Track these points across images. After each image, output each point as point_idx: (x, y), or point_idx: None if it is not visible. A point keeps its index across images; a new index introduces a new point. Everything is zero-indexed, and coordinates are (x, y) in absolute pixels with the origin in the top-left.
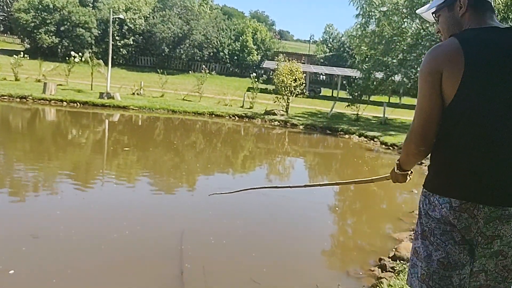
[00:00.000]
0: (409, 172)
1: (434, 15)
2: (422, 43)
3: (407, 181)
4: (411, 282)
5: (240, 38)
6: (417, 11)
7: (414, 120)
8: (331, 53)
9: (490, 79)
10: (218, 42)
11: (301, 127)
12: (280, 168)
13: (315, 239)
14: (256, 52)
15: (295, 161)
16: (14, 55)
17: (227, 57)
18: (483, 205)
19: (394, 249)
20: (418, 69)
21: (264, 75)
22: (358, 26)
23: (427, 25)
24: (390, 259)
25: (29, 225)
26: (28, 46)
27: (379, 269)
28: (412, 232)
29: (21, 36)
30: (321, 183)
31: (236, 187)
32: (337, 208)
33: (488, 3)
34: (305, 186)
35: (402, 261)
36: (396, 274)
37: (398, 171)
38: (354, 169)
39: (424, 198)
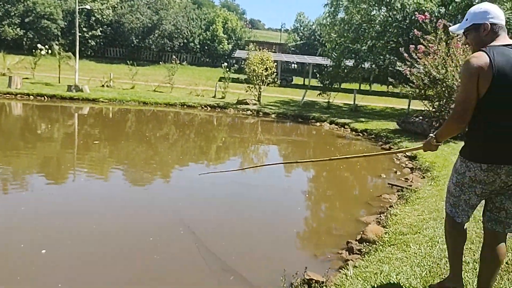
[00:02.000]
0: (441, 143)
1: (463, 33)
2: (390, 30)
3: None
4: (446, 206)
5: (211, 27)
6: (449, 29)
7: (456, 106)
8: (302, 42)
9: (510, 83)
10: (189, 32)
11: (273, 116)
12: (253, 157)
13: (285, 225)
14: (227, 42)
15: (269, 150)
16: None
17: (198, 47)
18: (504, 164)
19: (361, 232)
20: (387, 56)
21: (235, 65)
22: (327, 14)
23: (394, 12)
24: (357, 242)
25: None
26: None
27: (347, 252)
28: (379, 215)
29: None
30: (347, 156)
31: (210, 177)
32: (307, 194)
33: (502, 25)
34: (329, 159)
35: (368, 243)
36: (362, 256)
37: (434, 142)
38: (327, 155)
39: (461, 163)
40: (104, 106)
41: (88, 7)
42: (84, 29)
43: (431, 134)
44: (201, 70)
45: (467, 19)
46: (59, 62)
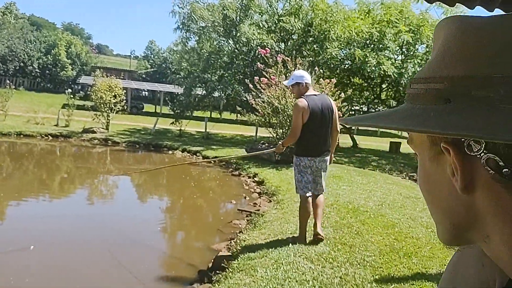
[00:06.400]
0: (285, 147)
1: (290, 86)
2: (236, 61)
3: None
4: (297, 191)
5: (52, 51)
6: (283, 82)
7: (293, 128)
8: (153, 69)
9: (317, 115)
10: (26, 55)
11: (123, 144)
12: (103, 188)
13: (138, 258)
14: (71, 67)
15: (119, 180)
16: None
17: (38, 71)
18: (316, 157)
19: (212, 260)
20: (235, 85)
21: (81, 91)
22: (179, 41)
23: (240, 45)
24: (208, 271)
25: None
26: None
27: (199, 282)
28: (229, 242)
29: None
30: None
31: (52, 212)
32: (161, 225)
33: (309, 83)
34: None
35: (218, 272)
36: (213, 285)
37: (281, 147)
38: (182, 184)
39: (297, 158)
40: None
41: None
42: None
43: (280, 142)
44: (41, 96)
45: (292, 79)
46: None
